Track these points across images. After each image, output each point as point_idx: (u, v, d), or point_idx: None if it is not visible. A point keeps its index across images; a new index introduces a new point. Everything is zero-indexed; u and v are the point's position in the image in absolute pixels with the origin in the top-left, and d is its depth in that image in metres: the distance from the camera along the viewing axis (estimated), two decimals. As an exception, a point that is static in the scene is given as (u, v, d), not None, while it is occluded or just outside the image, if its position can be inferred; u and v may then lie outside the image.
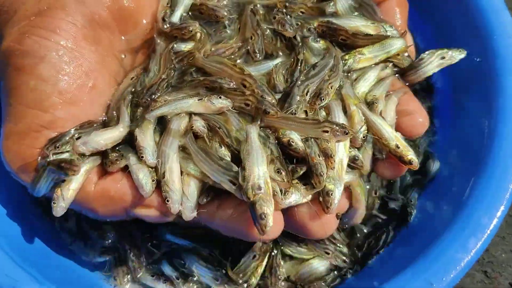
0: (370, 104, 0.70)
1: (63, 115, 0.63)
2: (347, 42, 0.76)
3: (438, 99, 0.95)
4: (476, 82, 0.83)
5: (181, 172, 0.65)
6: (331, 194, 0.60)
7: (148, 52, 0.74)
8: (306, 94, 0.67)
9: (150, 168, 0.64)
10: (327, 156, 0.62)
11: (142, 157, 0.64)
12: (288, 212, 0.63)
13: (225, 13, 0.79)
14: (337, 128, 0.63)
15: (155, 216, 0.64)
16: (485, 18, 0.81)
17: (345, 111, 0.70)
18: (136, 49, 0.74)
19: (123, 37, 0.72)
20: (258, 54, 0.76)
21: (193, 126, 0.66)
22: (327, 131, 0.63)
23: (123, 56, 0.73)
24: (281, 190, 0.61)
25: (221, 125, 0.67)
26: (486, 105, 0.78)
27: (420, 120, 0.72)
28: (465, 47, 0.76)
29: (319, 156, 0.62)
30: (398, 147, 0.68)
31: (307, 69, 0.70)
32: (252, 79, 0.67)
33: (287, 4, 0.78)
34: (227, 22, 0.80)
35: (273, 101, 0.68)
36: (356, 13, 0.80)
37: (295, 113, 0.66)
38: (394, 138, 0.68)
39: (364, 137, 0.66)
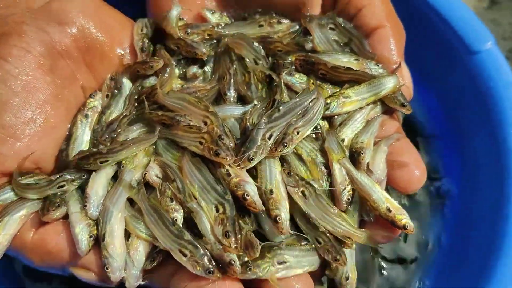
0: (356, 155, 0.60)
1: (5, 151, 0.58)
2: (327, 77, 0.67)
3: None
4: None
5: (129, 234, 0.59)
6: (279, 219, 0.56)
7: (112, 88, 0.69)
8: (269, 139, 0.59)
9: (91, 221, 0.58)
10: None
11: (86, 206, 0.58)
12: None
13: (204, 51, 0.71)
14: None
15: (95, 281, 0.58)
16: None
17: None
18: (101, 84, 0.69)
19: (88, 70, 0.68)
20: (229, 95, 0.67)
21: (146, 174, 0.60)
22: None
23: (83, 90, 0.68)
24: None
25: (176, 177, 0.60)
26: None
27: (416, 174, 0.60)
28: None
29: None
30: (390, 211, 0.58)
31: (271, 110, 0.61)
32: (216, 117, 0.61)
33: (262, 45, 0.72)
34: (205, 59, 0.73)
35: (231, 144, 0.60)
36: (338, 48, 0.71)
37: (252, 159, 0.57)
38: (384, 200, 0.58)
39: (349, 199, 0.59)
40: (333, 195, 0.60)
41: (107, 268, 0.55)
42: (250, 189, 0.57)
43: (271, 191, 0.57)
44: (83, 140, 0.65)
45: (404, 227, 0.57)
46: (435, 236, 0.85)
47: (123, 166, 0.62)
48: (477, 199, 0.79)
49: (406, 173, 0.60)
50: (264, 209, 0.57)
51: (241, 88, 0.69)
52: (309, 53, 0.69)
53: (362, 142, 0.62)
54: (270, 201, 0.57)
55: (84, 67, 0.67)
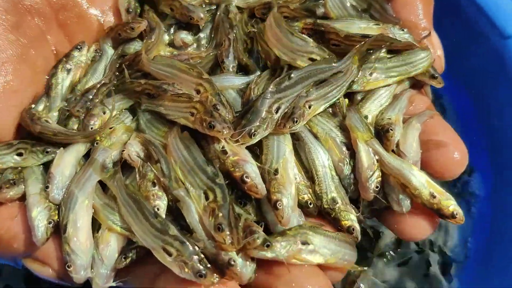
0: (384, 132, 0.50)
1: None
2: (341, 48, 0.55)
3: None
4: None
5: (99, 226, 0.48)
6: (279, 205, 0.46)
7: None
8: (276, 112, 0.49)
9: (52, 205, 0.48)
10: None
11: (48, 187, 0.48)
12: None
13: (201, 15, 0.61)
14: None
15: (53, 278, 0.49)
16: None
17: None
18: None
19: (60, 31, 0.60)
20: (228, 63, 0.56)
21: (124, 151, 0.50)
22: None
23: (55, 53, 0.60)
24: None
25: (160, 158, 0.49)
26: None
27: (456, 156, 0.50)
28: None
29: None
30: (434, 196, 0.49)
31: (280, 78, 0.51)
32: (211, 84, 0.52)
33: (263, 11, 0.61)
34: (202, 25, 0.63)
35: (229, 115, 0.49)
36: (354, 13, 0.60)
37: (253, 134, 0.47)
38: (426, 184, 0.49)
39: (377, 187, 0.49)
40: (357, 182, 0.49)
41: (68, 267, 0.45)
42: (251, 170, 0.46)
43: (276, 171, 0.47)
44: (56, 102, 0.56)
45: (452, 216, 0.48)
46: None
47: (97, 143, 0.52)
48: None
49: (445, 155, 0.51)
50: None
51: (242, 56, 0.58)
52: (319, 20, 0.58)
53: (389, 118, 0.52)
54: (273, 183, 0.47)
55: (56, 27, 0.60)
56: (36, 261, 0.48)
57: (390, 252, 0.78)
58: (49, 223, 0.46)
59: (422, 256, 0.78)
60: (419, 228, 0.50)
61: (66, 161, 0.50)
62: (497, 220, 0.74)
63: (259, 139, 0.48)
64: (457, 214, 0.48)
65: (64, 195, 0.48)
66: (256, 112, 0.48)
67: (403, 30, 0.58)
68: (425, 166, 0.51)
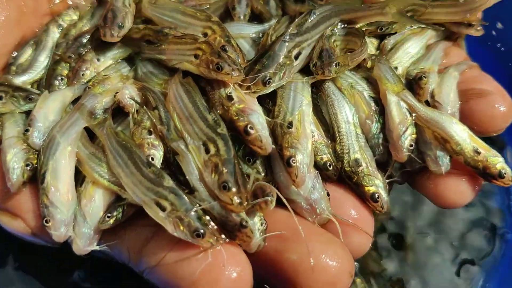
0: (416, 80, 0.44)
1: None
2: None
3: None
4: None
5: (84, 178, 0.42)
6: (293, 162, 0.39)
7: None
8: (296, 58, 0.43)
9: (30, 149, 0.43)
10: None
11: (28, 130, 0.43)
12: None
13: None
14: None
15: (27, 234, 0.43)
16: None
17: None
18: None
19: None
20: (239, 10, 0.50)
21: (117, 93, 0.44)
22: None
23: None
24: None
25: (159, 104, 0.43)
26: None
27: (501, 106, 0.44)
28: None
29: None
30: (479, 152, 0.43)
31: (300, 17, 0.44)
32: (220, 27, 0.46)
33: None
34: None
35: (239, 59, 0.43)
36: None
37: (268, 82, 0.41)
38: (469, 139, 0.43)
39: (411, 145, 0.42)
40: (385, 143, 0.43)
41: (46, 222, 0.39)
42: (257, 121, 0.40)
43: (290, 124, 0.40)
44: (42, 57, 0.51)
45: (499, 175, 0.42)
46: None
47: (88, 88, 0.46)
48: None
49: (488, 105, 0.44)
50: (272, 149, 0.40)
51: (256, 3, 0.52)
52: None
53: (422, 68, 0.46)
54: (286, 137, 0.40)
55: None
56: (5, 212, 0.42)
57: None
58: (27, 165, 0.41)
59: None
60: (459, 193, 0.43)
61: (51, 106, 0.45)
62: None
63: (274, 88, 0.42)
64: (505, 174, 0.42)
65: (44, 141, 0.42)
66: (273, 56, 0.42)
67: None
68: (465, 119, 0.45)
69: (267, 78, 0.41)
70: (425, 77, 0.43)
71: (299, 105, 0.42)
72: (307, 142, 0.40)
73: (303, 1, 0.52)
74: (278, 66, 0.42)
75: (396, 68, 0.46)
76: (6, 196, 0.42)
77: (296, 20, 0.44)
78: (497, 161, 0.42)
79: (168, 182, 0.38)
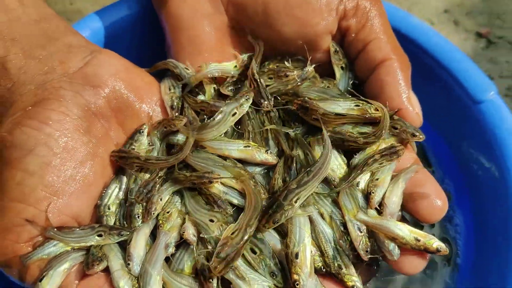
0: (367, 195, 0.64)
1: (48, 208, 0.61)
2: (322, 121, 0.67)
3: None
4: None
5: None
6: (297, 285, 0.58)
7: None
8: (295, 202, 0.62)
9: (133, 277, 0.62)
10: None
11: (129, 264, 0.62)
12: None
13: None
14: None
15: None
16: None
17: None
18: None
19: (119, 128, 0.71)
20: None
21: (184, 233, 0.64)
22: None
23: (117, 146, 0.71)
24: None
25: (210, 239, 0.64)
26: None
27: (438, 203, 0.63)
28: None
29: None
30: (418, 240, 0.61)
31: (300, 175, 0.63)
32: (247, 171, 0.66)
33: None
34: None
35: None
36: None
37: (277, 222, 0.61)
38: (410, 232, 0.61)
39: (367, 250, 0.61)
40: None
41: None
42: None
43: (297, 255, 0.59)
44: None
45: (437, 250, 0.60)
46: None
47: (160, 227, 0.65)
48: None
49: (428, 204, 0.63)
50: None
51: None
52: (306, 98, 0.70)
53: (377, 180, 0.65)
54: (293, 264, 0.59)
55: (116, 125, 0.70)
56: None
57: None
58: None
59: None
60: (414, 267, 0.62)
61: (139, 244, 0.64)
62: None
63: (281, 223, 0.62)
64: (440, 248, 0.60)
65: (140, 272, 0.62)
66: (280, 205, 0.60)
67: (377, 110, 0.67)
68: (414, 214, 0.64)
69: (276, 219, 0.60)
70: (373, 193, 0.63)
71: (303, 239, 0.60)
72: (307, 269, 0.59)
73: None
74: (284, 213, 0.60)
75: (358, 183, 0.65)
76: None
77: (297, 177, 0.62)
78: (433, 242, 0.59)
79: None
